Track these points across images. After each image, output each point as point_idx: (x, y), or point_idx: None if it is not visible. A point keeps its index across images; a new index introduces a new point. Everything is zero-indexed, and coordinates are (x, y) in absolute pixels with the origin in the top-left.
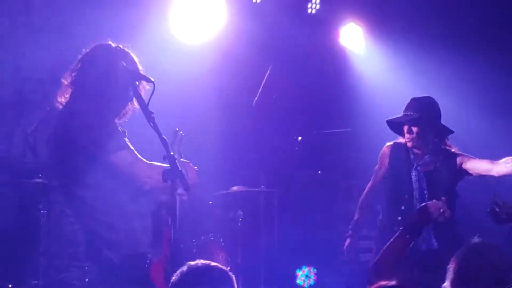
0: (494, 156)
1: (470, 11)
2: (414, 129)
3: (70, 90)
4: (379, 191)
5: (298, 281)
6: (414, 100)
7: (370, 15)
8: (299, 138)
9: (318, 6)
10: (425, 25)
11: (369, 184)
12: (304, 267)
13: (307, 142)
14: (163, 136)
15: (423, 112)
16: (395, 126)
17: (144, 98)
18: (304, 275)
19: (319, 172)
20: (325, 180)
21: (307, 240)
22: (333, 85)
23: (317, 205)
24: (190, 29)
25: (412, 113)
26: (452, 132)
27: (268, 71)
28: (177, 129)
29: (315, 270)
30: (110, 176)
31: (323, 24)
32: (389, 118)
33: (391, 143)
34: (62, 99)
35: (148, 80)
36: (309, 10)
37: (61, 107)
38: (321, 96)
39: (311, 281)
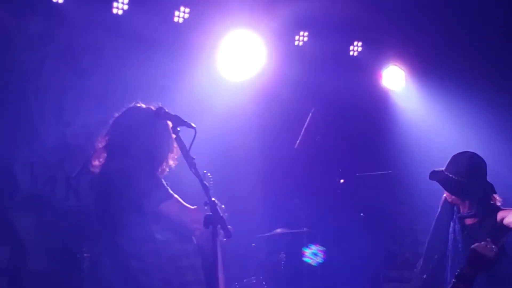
0: None
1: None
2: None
3: (105, 154)
4: None
5: (305, 259)
6: (456, 160)
7: (411, 58)
8: (342, 180)
9: (360, 49)
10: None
11: None
12: (311, 245)
13: (349, 184)
14: (204, 182)
15: (463, 177)
16: (433, 178)
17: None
18: (312, 252)
19: (362, 214)
20: (368, 222)
21: (351, 283)
22: (375, 127)
23: (360, 248)
24: (235, 69)
25: (451, 175)
26: (495, 192)
27: (310, 114)
28: (205, 171)
29: (323, 248)
30: (162, 228)
31: (365, 67)
32: (431, 171)
33: None
34: (97, 162)
35: (189, 125)
36: (351, 53)
37: (97, 170)
38: (363, 138)
39: (319, 259)
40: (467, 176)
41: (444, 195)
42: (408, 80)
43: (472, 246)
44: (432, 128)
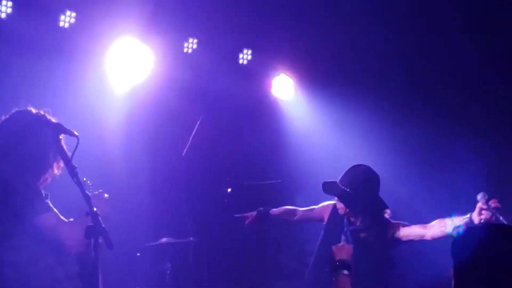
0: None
1: (390, 65)
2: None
3: None
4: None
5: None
6: (351, 173)
7: (301, 67)
8: (229, 189)
9: (249, 57)
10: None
11: (302, 211)
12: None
13: (237, 193)
14: (86, 192)
15: (357, 191)
16: (328, 191)
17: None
18: (453, 223)
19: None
20: (256, 231)
21: None
22: (264, 135)
23: (248, 256)
24: (123, 77)
25: (345, 188)
26: (387, 207)
27: (199, 122)
28: (84, 179)
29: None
30: (37, 240)
31: (255, 75)
32: (324, 182)
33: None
34: None
35: (71, 134)
36: (241, 61)
37: None
38: (252, 146)
39: (460, 230)
40: (361, 189)
41: (331, 204)
42: (297, 89)
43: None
44: (320, 138)
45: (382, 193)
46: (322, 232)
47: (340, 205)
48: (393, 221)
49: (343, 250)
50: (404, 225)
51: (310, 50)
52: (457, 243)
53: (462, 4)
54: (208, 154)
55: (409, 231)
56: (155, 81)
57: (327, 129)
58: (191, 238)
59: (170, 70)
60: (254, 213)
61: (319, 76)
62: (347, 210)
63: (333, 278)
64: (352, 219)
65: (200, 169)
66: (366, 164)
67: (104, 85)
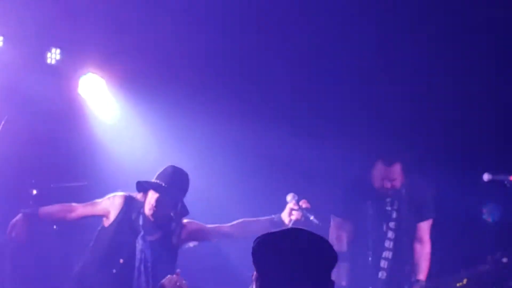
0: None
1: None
2: (159, 200)
3: None
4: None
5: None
6: (172, 171)
7: (112, 67)
8: (34, 191)
9: (58, 56)
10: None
11: (82, 207)
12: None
13: (43, 195)
14: None
15: (174, 188)
16: (142, 188)
17: None
18: (489, 210)
19: (55, 227)
20: (61, 234)
21: None
22: (73, 136)
23: (54, 259)
24: None
25: (164, 184)
26: (188, 213)
27: (3, 121)
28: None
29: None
30: None
31: (64, 74)
32: (141, 180)
33: (125, 193)
34: None
35: None
36: (49, 60)
37: None
38: (60, 148)
39: (496, 217)
40: (178, 186)
41: (122, 196)
42: (107, 89)
43: (162, 282)
44: (131, 138)
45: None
46: (110, 225)
47: (151, 204)
48: (192, 221)
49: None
50: (198, 225)
51: (122, 49)
52: (259, 247)
53: None
54: (13, 155)
55: (208, 230)
56: None
57: (138, 129)
58: None
59: None
60: (19, 216)
61: (132, 75)
62: (156, 209)
63: None
64: (151, 220)
65: (4, 170)
66: (176, 164)
67: None
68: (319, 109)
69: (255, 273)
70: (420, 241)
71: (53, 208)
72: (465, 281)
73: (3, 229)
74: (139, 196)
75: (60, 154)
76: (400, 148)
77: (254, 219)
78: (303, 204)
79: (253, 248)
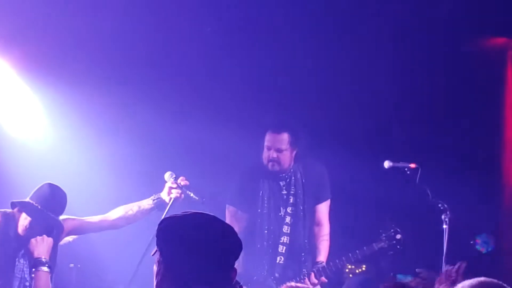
0: None
1: None
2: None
3: None
4: None
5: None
6: (48, 193)
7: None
8: None
9: None
10: None
11: None
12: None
13: None
14: None
15: (50, 211)
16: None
17: None
18: (482, 241)
19: None
20: None
21: None
22: None
23: None
24: None
25: (40, 207)
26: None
27: None
28: None
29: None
30: None
31: None
32: (14, 201)
33: (1, 210)
34: None
35: None
36: None
37: None
38: None
39: (490, 247)
40: (53, 212)
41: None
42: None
43: None
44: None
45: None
46: None
47: (26, 221)
48: (64, 218)
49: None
50: (77, 221)
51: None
52: (163, 231)
53: None
54: None
55: (88, 224)
56: None
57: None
58: None
59: None
60: None
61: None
62: (28, 230)
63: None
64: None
65: None
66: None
67: None
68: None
69: (158, 256)
70: (319, 223)
71: None
72: (364, 267)
73: None
74: (15, 211)
75: None
76: (289, 119)
77: (134, 203)
78: (182, 181)
79: (158, 232)
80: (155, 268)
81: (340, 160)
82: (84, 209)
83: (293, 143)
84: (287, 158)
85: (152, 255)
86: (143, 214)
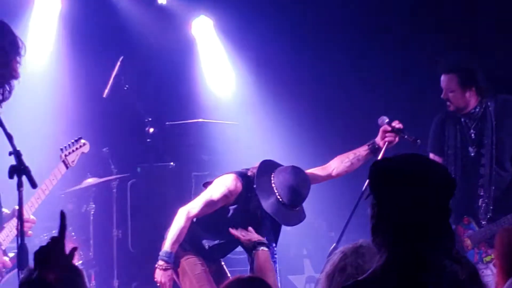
0: None
1: None
2: None
3: None
4: None
5: None
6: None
7: (221, 8)
8: (151, 129)
9: None
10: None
11: None
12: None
13: (159, 133)
14: (8, 131)
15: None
16: None
17: None
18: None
19: (172, 163)
20: (178, 171)
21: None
22: (183, 76)
23: (170, 197)
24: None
25: None
26: None
27: (119, 62)
28: None
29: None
30: None
31: (174, 16)
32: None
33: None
34: None
35: None
36: (159, 1)
37: None
38: (172, 87)
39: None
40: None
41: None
42: (218, 32)
43: None
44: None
45: None
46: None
47: None
48: None
49: None
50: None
51: None
52: (376, 174)
53: None
54: (129, 95)
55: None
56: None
57: (248, 74)
58: (114, 177)
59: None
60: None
61: (240, 20)
62: None
63: None
64: None
65: (121, 110)
66: None
67: None
68: None
69: (372, 199)
70: None
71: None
72: None
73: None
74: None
75: (173, 93)
76: (459, 59)
77: (350, 152)
78: (396, 124)
79: (370, 175)
80: (370, 211)
81: None
82: None
83: (463, 84)
84: (459, 98)
85: (365, 199)
86: (359, 161)
